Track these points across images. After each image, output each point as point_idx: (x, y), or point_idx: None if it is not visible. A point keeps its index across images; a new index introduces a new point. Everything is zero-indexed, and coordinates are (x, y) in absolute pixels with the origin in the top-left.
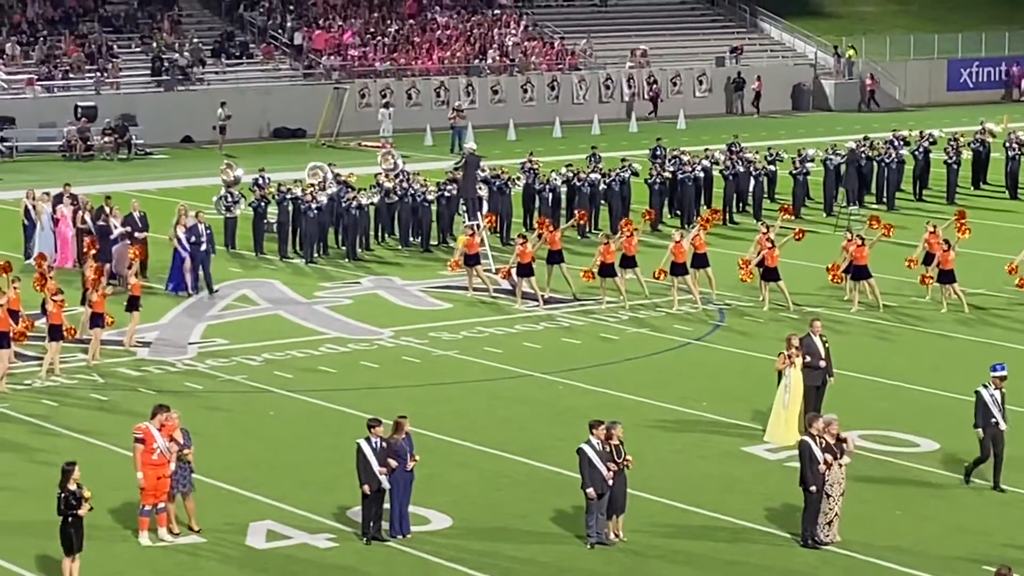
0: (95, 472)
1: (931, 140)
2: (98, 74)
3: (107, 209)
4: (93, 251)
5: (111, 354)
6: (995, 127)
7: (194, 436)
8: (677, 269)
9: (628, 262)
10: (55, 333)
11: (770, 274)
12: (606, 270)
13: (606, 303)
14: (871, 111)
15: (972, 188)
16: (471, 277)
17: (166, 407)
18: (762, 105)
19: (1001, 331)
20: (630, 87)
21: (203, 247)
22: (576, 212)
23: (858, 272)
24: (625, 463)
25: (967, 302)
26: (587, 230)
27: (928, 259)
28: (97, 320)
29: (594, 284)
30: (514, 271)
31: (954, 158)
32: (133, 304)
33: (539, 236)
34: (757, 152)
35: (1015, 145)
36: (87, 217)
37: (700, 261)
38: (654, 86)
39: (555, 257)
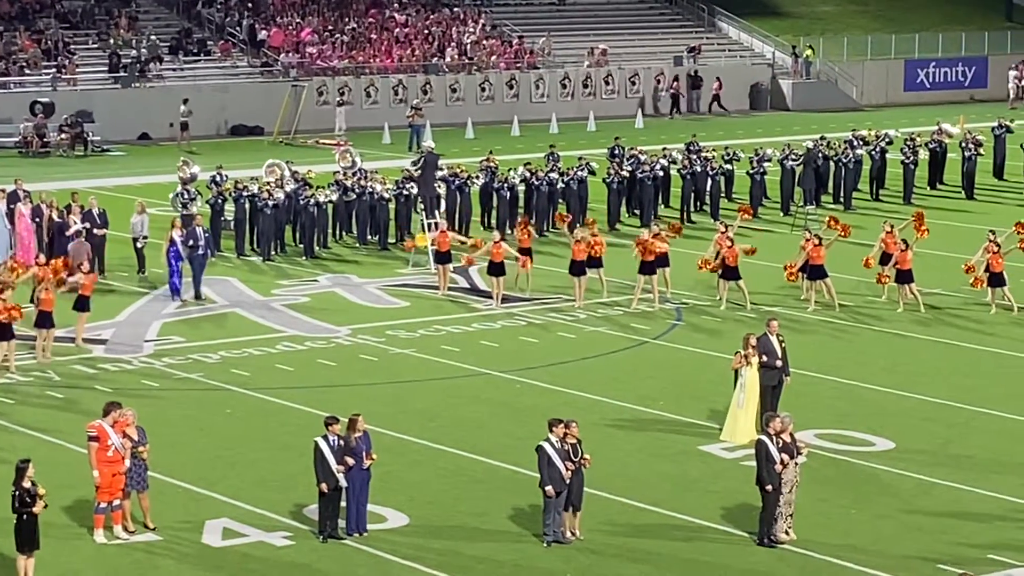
0: (50, 470)
1: (887, 140)
2: (55, 70)
3: (72, 206)
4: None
5: (66, 351)
6: (952, 127)
7: (150, 434)
8: (644, 268)
9: (593, 262)
10: (4, 332)
11: (729, 273)
12: (576, 268)
13: (564, 300)
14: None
15: (928, 188)
16: (441, 275)
17: (118, 404)
18: (718, 105)
19: (957, 331)
20: (657, 82)
21: (200, 251)
22: (559, 214)
23: (814, 272)
24: (583, 462)
25: (923, 302)
26: (545, 229)
27: (885, 259)
28: (46, 319)
29: (564, 284)
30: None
31: (911, 158)
32: (83, 304)
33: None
34: (715, 151)
35: (971, 145)
36: (54, 215)
37: (660, 261)
38: (675, 84)
39: (524, 254)
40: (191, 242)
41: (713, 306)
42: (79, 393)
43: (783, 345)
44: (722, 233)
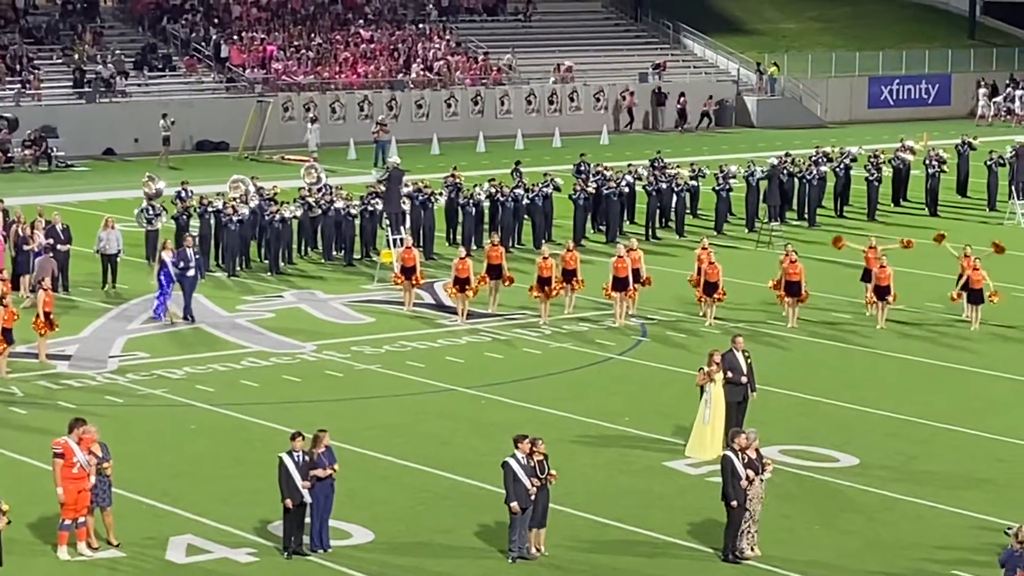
0: (14, 486)
1: (851, 157)
2: (19, 85)
3: (37, 221)
4: None
5: (29, 367)
6: (915, 144)
7: (114, 450)
8: (618, 284)
9: (569, 276)
10: None
11: (711, 289)
12: (543, 284)
13: (529, 316)
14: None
15: (892, 205)
16: (407, 291)
17: (83, 420)
18: (681, 121)
19: (921, 347)
20: (681, 95)
21: (191, 272)
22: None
23: (790, 288)
24: (549, 477)
25: (886, 317)
26: (511, 245)
27: (866, 275)
28: (6, 334)
29: (534, 300)
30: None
31: (875, 175)
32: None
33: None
34: (680, 168)
35: (935, 162)
36: (20, 230)
37: (634, 276)
38: (682, 98)
39: (494, 271)
40: (181, 264)
41: (677, 322)
42: (42, 409)
43: (749, 361)
44: (703, 249)
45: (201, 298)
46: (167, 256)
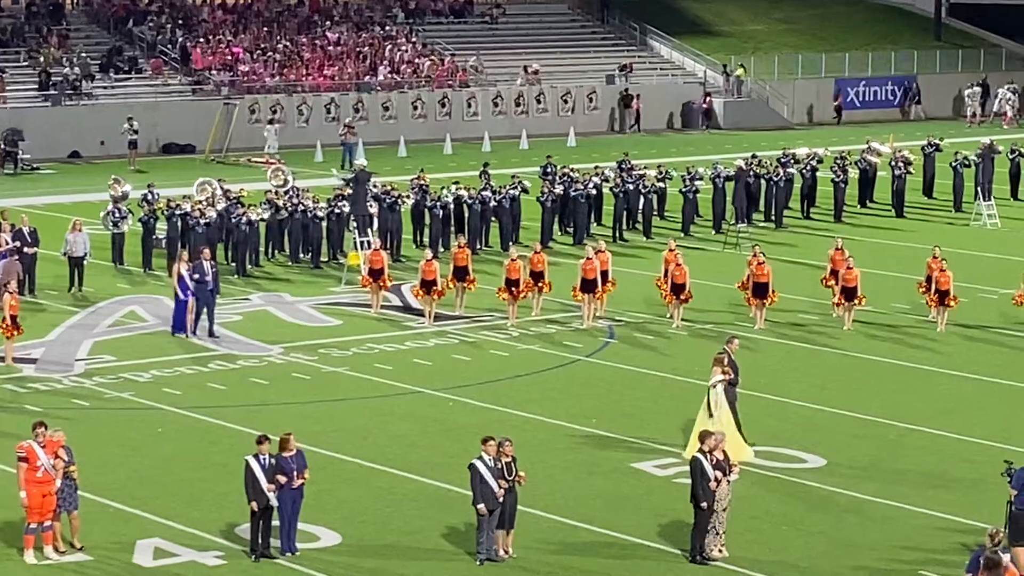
0: None
1: (817, 159)
2: None
3: (2, 224)
4: None
5: None
6: (881, 146)
7: (81, 454)
8: (586, 286)
9: (536, 278)
10: None
11: (679, 291)
12: (511, 286)
13: (496, 318)
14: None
15: (859, 206)
16: (374, 293)
17: (43, 423)
18: (647, 123)
19: (888, 348)
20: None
21: (209, 286)
22: None
23: (757, 290)
24: (517, 479)
25: (852, 318)
26: (478, 247)
27: (833, 276)
28: None
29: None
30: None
31: (841, 176)
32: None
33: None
34: (647, 169)
35: (901, 164)
36: None
37: (602, 278)
38: (707, 98)
39: (460, 273)
40: (198, 276)
41: (644, 324)
42: (8, 413)
43: (735, 363)
44: (671, 251)
45: (167, 300)
46: (184, 270)
